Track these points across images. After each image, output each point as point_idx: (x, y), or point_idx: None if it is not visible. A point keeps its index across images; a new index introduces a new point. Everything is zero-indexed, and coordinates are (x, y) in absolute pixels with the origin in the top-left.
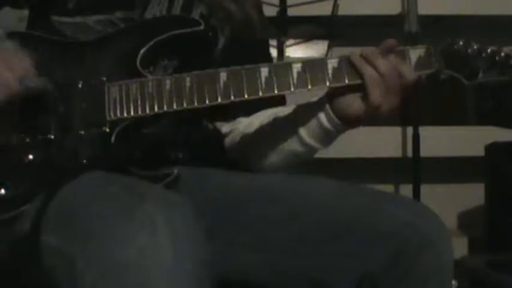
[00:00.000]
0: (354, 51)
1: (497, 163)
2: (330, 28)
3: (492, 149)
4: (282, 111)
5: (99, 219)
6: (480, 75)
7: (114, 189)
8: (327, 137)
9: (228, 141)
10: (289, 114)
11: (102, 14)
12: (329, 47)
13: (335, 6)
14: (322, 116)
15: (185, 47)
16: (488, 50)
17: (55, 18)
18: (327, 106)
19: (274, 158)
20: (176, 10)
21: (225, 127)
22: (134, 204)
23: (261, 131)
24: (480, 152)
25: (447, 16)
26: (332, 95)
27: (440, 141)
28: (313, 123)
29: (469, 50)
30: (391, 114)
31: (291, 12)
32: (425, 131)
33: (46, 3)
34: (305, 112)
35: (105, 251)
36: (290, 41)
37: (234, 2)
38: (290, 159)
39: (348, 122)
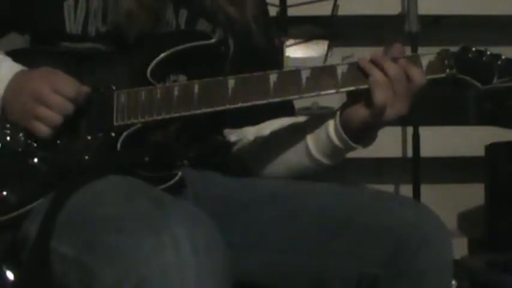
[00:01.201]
0: (363, 57)
1: (497, 163)
2: (330, 28)
3: (492, 149)
4: (292, 122)
5: (122, 232)
6: (495, 80)
7: (136, 201)
8: (335, 153)
9: (236, 150)
10: (300, 127)
11: (116, 41)
12: (329, 47)
13: (335, 6)
14: (331, 131)
15: (196, 62)
16: (503, 57)
17: (62, 43)
18: (337, 120)
19: (281, 169)
20: (181, 27)
21: (232, 136)
22: (158, 219)
23: (271, 141)
24: (480, 152)
25: (447, 16)
26: (343, 107)
27: (440, 141)
28: (322, 137)
29: (484, 58)
30: (400, 118)
31: (291, 12)
32: (425, 131)
33: (51, 29)
34: (316, 126)
35: (128, 265)
36: (290, 41)
37: (235, 7)
38: (297, 171)
39: (356, 133)
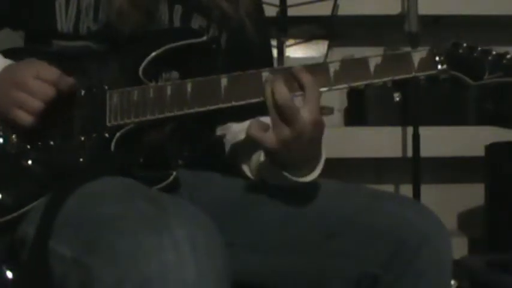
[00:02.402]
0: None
1: (497, 163)
2: (330, 28)
3: (492, 149)
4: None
5: (122, 233)
6: (486, 76)
7: (136, 202)
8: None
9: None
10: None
11: (107, 39)
12: (329, 47)
13: (335, 6)
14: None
15: (187, 59)
16: (493, 53)
17: (55, 41)
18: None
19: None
20: (176, 23)
21: (217, 130)
22: (157, 219)
23: (242, 151)
24: (480, 152)
25: (447, 16)
26: None
27: (440, 141)
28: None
29: (475, 53)
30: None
31: (291, 12)
32: (425, 131)
33: (43, 28)
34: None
35: (129, 265)
36: (290, 41)
37: (229, 3)
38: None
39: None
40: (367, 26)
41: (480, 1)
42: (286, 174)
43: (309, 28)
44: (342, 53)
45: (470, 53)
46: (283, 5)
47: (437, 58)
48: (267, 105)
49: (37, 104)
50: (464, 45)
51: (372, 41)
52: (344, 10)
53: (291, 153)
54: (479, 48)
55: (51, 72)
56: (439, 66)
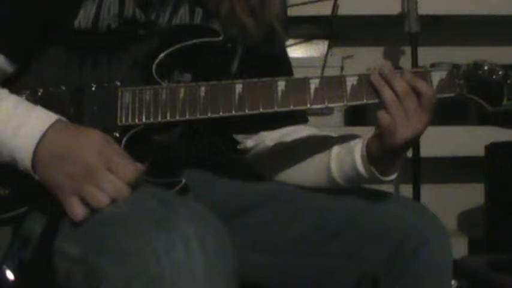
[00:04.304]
0: (373, 71)
1: (497, 163)
2: (330, 28)
3: (492, 149)
4: (316, 135)
5: (132, 232)
6: (504, 102)
7: (145, 201)
8: (357, 180)
9: (252, 155)
10: (325, 144)
11: (125, 33)
12: (329, 47)
13: (335, 6)
14: (357, 159)
15: (201, 59)
16: None
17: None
18: (364, 148)
19: (295, 179)
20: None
21: (250, 141)
22: (167, 219)
23: (292, 151)
24: (480, 152)
25: (447, 16)
26: (370, 140)
27: (440, 141)
28: (347, 162)
29: (494, 76)
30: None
31: (291, 12)
32: (425, 131)
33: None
34: (341, 149)
35: (138, 265)
36: (290, 41)
37: (252, 16)
38: (310, 183)
39: (380, 162)
40: (367, 26)
41: (480, 1)
42: (374, 170)
43: (309, 28)
44: (342, 53)
45: (490, 77)
46: None
47: (456, 81)
48: (386, 101)
49: (104, 201)
50: (486, 67)
51: (372, 41)
52: (344, 10)
53: (400, 139)
54: (499, 72)
55: (128, 169)
56: (458, 89)
